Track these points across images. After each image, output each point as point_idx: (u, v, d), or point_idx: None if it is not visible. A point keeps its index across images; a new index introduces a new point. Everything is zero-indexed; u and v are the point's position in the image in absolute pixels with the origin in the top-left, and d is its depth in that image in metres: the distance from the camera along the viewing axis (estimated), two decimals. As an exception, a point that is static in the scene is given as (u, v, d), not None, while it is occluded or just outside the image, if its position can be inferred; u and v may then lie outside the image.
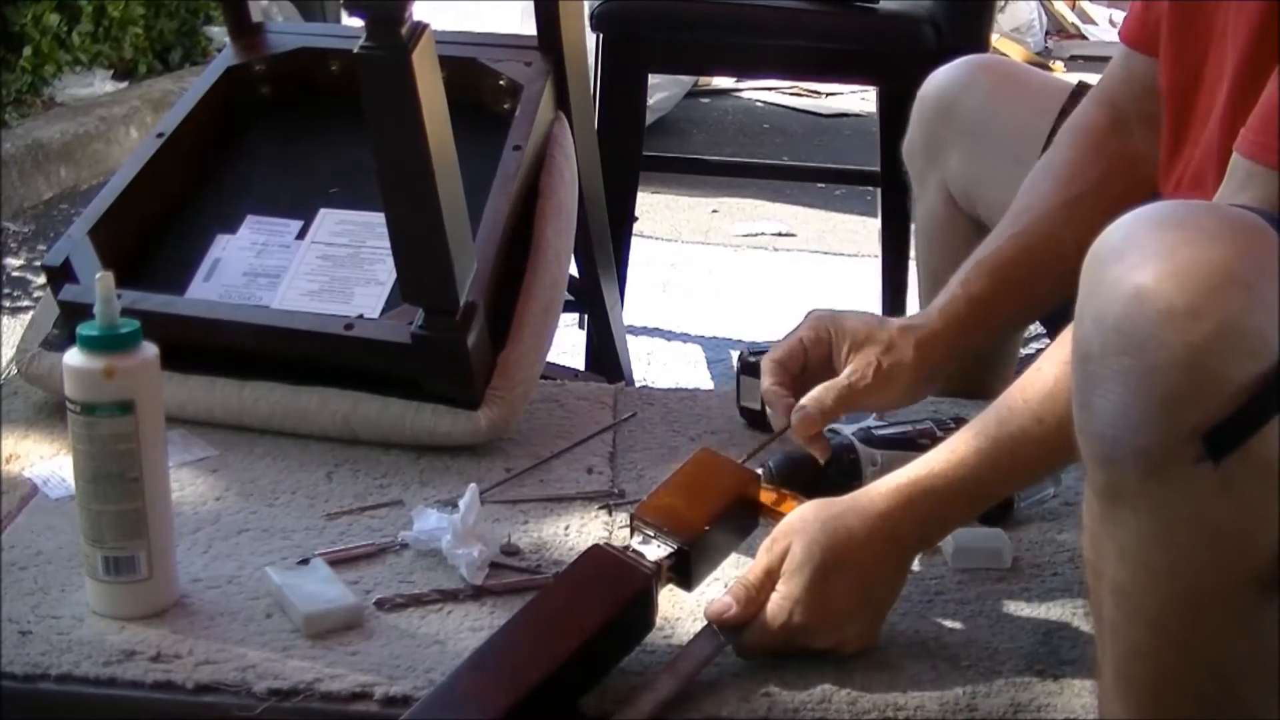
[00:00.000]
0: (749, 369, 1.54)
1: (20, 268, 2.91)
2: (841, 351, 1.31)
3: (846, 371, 1.30)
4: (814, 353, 1.32)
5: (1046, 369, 1.11)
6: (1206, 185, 1.16)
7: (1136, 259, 0.90)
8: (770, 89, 4.68)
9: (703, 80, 4.49)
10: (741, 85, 4.68)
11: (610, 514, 1.41)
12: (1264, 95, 1.07)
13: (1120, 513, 0.94)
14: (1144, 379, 0.88)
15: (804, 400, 1.29)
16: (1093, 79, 1.53)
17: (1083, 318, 0.93)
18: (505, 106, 1.70)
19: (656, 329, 2.66)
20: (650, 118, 3.28)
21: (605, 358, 2.10)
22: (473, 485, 1.32)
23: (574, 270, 1.90)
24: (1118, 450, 0.91)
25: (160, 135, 1.71)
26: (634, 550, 1.18)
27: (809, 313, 1.37)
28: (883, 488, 1.17)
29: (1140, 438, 0.89)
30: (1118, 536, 0.95)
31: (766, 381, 1.32)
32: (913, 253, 1.87)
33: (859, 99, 4.52)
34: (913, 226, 1.77)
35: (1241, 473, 0.89)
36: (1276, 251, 0.90)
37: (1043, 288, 1.33)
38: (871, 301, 2.64)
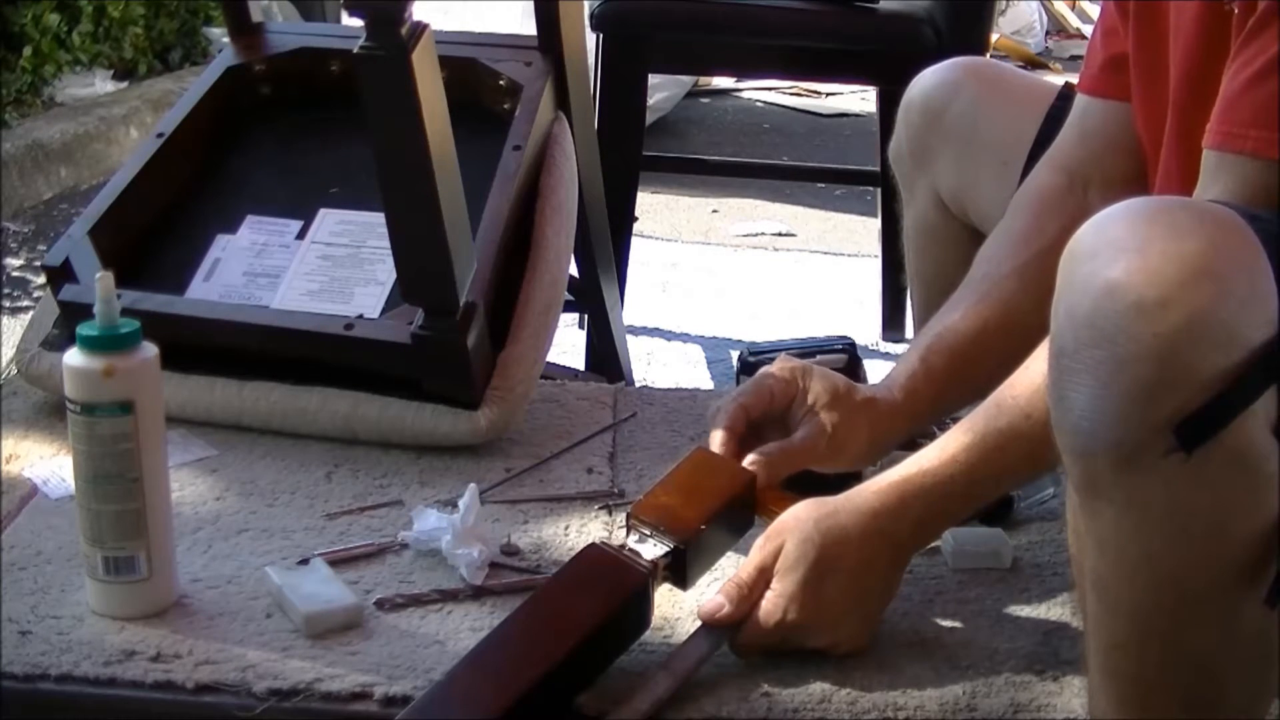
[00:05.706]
0: (749, 369, 1.53)
1: (20, 268, 2.91)
2: (803, 408, 1.28)
3: (800, 434, 1.27)
4: (779, 400, 1.29)
5: (1035, 366, 1.11)
6: None
7: (1109, 254, 0.90)
8: (770, 89, 4.67)
9: (703, 80, 4.49)
10: (741, 85, 4.67)
11: (610, 514, 1.41)
12: (1220, 93, 1.08)
13: (1097, 505, 0.94)
14: (1115, 371, 0.89)
15: (753, 460, 1.25)
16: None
17: (1057, 313, 0.94)
18: (505, 106, 1.70)
19: (656, 329, 2.66)
20: (650, 118, 3.28)
21: (605, 358, 2.10)
22: (473, 485, 1.32)
23: (574, 270, 1.90)
24: (1092, 443, 0.91)
25: (160, 135, 1.71)
26: (630, 549, 1.18)
27: (781, 355, 1.34)
28: (875, 486, 1.17)
29: (1113, 430, 0.90)
30: (1095, 529, 0.96)
31: (721, 424, 1.28)
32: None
33: (859, 99, 4.52)
34: (903, 232, 1.76)
35: (1215, 464, 0.89)
36: (1248, 245, 0.90)
37: (1002, 361, 1.28)
38: (871, 301, 2.64)
